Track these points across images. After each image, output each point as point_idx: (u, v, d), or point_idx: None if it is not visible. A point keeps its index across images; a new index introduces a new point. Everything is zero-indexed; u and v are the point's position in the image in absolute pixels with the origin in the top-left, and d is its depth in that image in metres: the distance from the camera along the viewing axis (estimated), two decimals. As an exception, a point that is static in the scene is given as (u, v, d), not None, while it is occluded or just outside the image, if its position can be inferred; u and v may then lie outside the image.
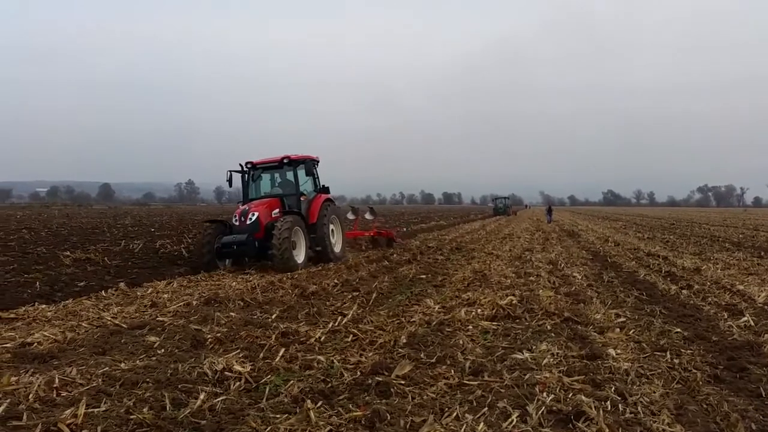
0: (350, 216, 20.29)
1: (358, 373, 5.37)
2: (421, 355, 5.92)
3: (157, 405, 4.39)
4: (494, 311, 7.95)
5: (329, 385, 5.04)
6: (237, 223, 13.98)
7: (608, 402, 4.47)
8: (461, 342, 6.43)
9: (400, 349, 6.16)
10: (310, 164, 15.50)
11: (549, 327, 7.19)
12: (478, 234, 27.73)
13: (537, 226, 35.27)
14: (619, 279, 11.71)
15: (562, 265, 13.91)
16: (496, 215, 62.98)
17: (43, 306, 8.90)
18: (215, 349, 6.27)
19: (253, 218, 13.90)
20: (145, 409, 4.26)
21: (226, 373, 5.28)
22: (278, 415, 4.35)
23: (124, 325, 7.33)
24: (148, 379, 4.96)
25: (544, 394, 4.73)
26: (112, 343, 6.47)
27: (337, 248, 15.95)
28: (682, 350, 6.17)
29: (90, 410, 4.16)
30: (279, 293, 9.93)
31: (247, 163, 15.52)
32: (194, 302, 8.98)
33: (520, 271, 12.51)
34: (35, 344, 6.50)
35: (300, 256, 13.96)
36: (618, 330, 7.03)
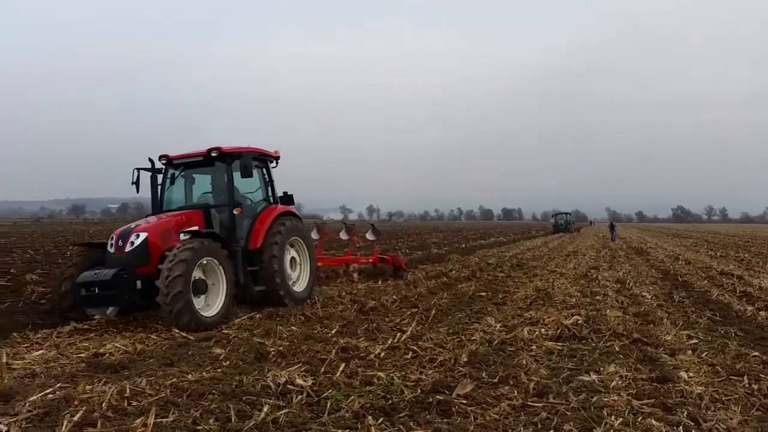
0: (315, 235, 15.16)
1: (419, 390, 5.32)
2: (483, 375, 5.82)
3: (222, 416, 4.48)
4: (559, 331, 7.74)
5: (390, 402, 5.02)
6: (111, 250, 8.80)
7: (680, 427, 4.28)
8: (524, 362, 6.29)
9: (460, 368, 6.07)
10: (248, 159, 9.82)
11: (617, 348, 6.95)
12: (540, 251, 27.16)
13: (603, 244, 34.26)
14: (690, 299, 11.20)
15: (631, 284, 13.43)
16: (557, 233, 59.10)
17: (114, 318, 9.26)
18: (278, 362, 6.37)
19: (137, 243, 8.70)
20: (211, 420, 4.36)
21: (289, 386, 5.34)
22: (339, 431, 4.36)
23: (191, 337, 7.55)
24: (214, 391, 5.08)
25: (613, 417, 4.58)
26: (179, 355, 6.67)
27: (300, 286, 10.99)
28: (762, 375, 5.82)
29: (159, 420, 4.28)
30: (338, 308, 10.02)
31: (160, 158, 10.41)
32: (257, 315, 9.15)
33: (585, 290, 12.16)
34: (107, 354, 6.80)
35: (214, 305, 8.78)
36: (690, 352, 6.72)
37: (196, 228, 9.41)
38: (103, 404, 4.63)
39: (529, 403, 5.00)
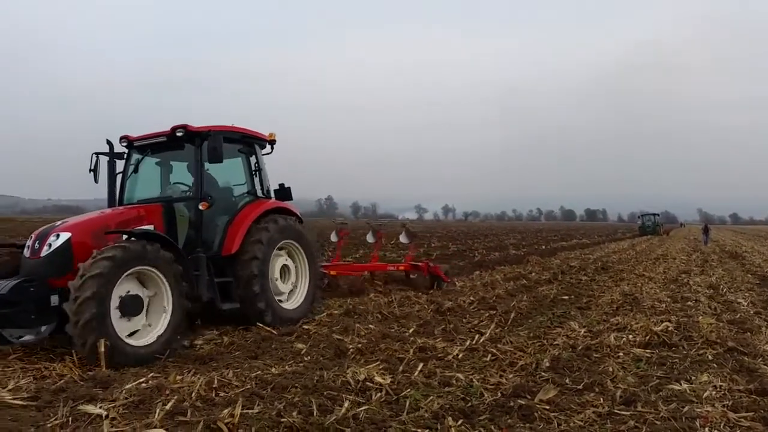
0: (333, 238, 13.96)
1: (499, 394, 5.24)
2: (566, 381, 5.66)
3: (305, 410, 4.58)
4: (647, 338, 7.40)
5: (469, 404, 4.97)
6: (27, 254, 6.91)
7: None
8: (611, 369, 6.05)
9: (542, 373, 5.93)
10: (217, 140, 7.70)
11: (710, 357, 6.57)
12: (627, 254, 26.08)
13: (694, 247, 32.50)
14: (793, 307, 10.43)
15: (725, 289, 12.66)
16: (643, 235, 55.42)
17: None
18: (356, 359, 6.44)
19: (55, 245, 6.76)
20: (294, 413, 4.46)
21: (368, 383, 5.38)
22: (419, 430, 4.36)
23: (274, 332, 7.76)
24: (296, 384, 5.20)
25: (706, 429, 4.36)
26: (263, 348, 6.88)
27: (293, 302, 8.87)
28: None
29: (245, 411, 4.42)
30: (415, 308, 10.01)
31: (121, 140, 8.53)
32: (336, 312, 9.31)
33: (675, 296, 11.56)
34: (198, 347, 7.11)
35: (152, 332, 6.57)
36: (794, 365, 6.26)
37: (151, 227, 7.47)
38: (193, 394, 4.84)
39: (616, 411, 4.82)
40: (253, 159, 9.02)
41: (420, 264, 12.98)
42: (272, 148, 9.39)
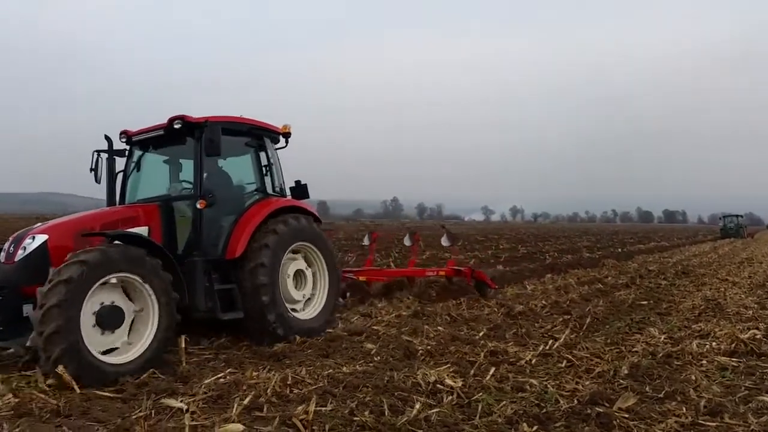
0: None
1: (575, 401, 5.09)
2: (647, 389, 5.44)
3: (376, 410, 4.61)
4: (733, 345, 7.01)
5: (544, 410, 4.85)
6: (2, 259, 6.35)
7: None
8: (694, 378, 5.77)
9: (621, 380, 5.72)
10: (214, 131, 6.99)
11: (806, 368, 6.15)
12: (709, 257, 24.81)
13: (782, 251, 30.54)
14: None
15: (819, 297, 11.82)
16: (725, 237, 51.72)
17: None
18: (426, 361, 6.42)
19: (30, 249, 6.15)
20: (366, 413, 4.49)
21: (438, 385, 5.36)
22: (494, 435, 4.29)
23: (344, 333, 7.85)
24: (367, 384, 5.24)
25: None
26: (334, 348, 6.97)
27: (310, 311, 7.98)
28: None
29: (318, 408, 4.50)
30: (485, 311, 9.86)
31: (121, 136, 8.01)
32: (404, 314, 9.31)
33: (764, 302, 10.88)
34: (272, 344, 7.28)
35: (133, 348, 5.80)
36: None
37: (146, 229, 6.85)
38: (268, 390, 4.97)
39: (700, 422, 4.60)
40: (263, 154, 8.16)
41: (463, 269, 11.74)
42: (287, 142, 8.53)
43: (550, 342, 7.36)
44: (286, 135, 8.45)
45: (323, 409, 4.54)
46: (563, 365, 6.35)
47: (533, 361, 6.46)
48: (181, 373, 5.58)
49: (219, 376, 5.41)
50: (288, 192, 8.51)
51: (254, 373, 5.46)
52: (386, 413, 4.56)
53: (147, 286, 5.83)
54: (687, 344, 7.12)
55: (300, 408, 4.46)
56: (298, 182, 8.73)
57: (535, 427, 4.43)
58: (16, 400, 4.69)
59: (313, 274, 8.12)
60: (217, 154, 7.10)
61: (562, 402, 5.04)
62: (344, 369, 5.82)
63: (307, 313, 7.88)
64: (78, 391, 4.99)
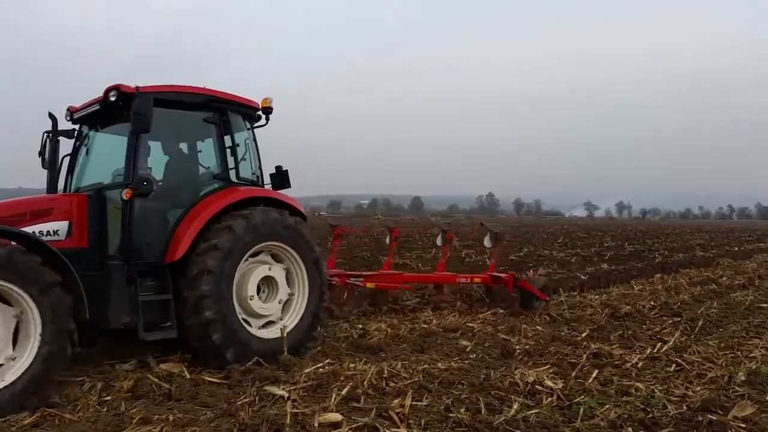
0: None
1: (685, 407, 4.81)
2: (766, 398, 5.06)
3: (472, 407, 4.57)
4: None
5: (650, 415, 4.62)
6: None
7: None
8: (822, 388, 5.28)
9: (736, 387, 5.35)
10: (144, 102, 5.61)
11: None
12: (841, 258, 22.55)
13: None
14: None
15: None
16: None
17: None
18: (524, 360, 6.29)
19: None
20: (462, 410, 4.48)
21: (537, 386, 5.24)
22: (595, 439, 4.14)
23: (439, 329, 7.83)
24: (463, 381, 5.21)
25: None
26: (429, 343, 6.98)
27: (285, 327, 6.26)
28: None
29: (414, 402, 4.54)
30: (587, 311, 9.49)
31: (66, 112, 6.76)
32: (500, 311, 9.14)
33: None
34: (369, 336, 7.40)
35: (15, 366, 4.63)
36: None
37: (66, 223, 5.67)
38: (365, 382, 5.06)
39: (830, 437, 4.20)
40: (233, 132, 6.56)
41: (503, 276, 9.60)
42: (267, 119, 7.02)
43: (659, 345, 7.00)
44: (267, 110, 6.92)
45: (419, 403, 4.57)
46: (672, 369, 6.02)
47: (640, 365, 6.17)
48: (282, 362, 5.79)
49: (318, 366, 5.56)
50: (266, 181, 7.05)
51: (351, 365, 5.57)
52: (483, 411, 4.52)
53: (22, 292, 4.64)
54: (814, 351, 6.52)
55: (396, 401, 4.51)
56: (278, 168, 7.25)
57: (640, 433, 4.23)
58: (131, 383, 5.06)
59: (290, 281, 6.49)
60: (146, 129, 5.70)
61: (670, 407, 4.78)
62: (439, 365, 5.81)
63: (276, 329, 6.24)
64: (188, 376, 5.31)
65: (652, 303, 10.15)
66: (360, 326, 7.85)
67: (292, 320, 6.41)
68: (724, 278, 14.32)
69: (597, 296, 11.10)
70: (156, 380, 5.16)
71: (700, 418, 4.47)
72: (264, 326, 6.28)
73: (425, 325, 7.95)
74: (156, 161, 6.55)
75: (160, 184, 6.19)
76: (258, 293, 6.22)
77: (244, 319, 6.05)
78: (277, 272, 6.37)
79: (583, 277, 13.31)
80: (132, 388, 4.97)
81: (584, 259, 18.41)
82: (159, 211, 6.09)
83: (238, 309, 5.95)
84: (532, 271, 10.99)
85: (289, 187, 7.23)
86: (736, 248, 26.28)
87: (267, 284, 6.34)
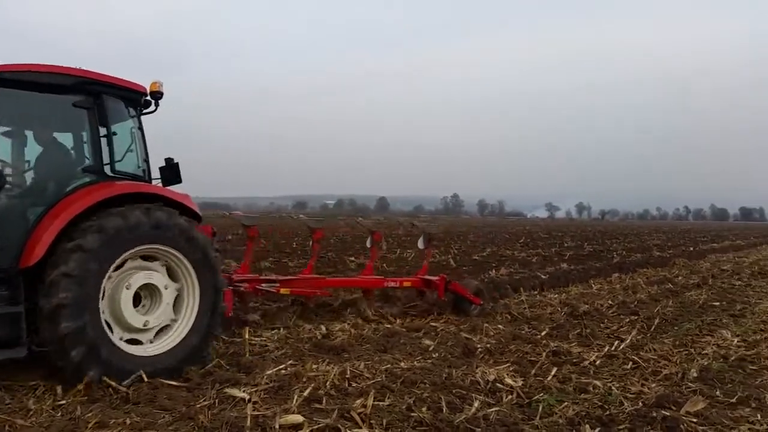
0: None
1: (640, 403, 4.93)
2: (717, 393, 5.23)
3: (434, 406, 4.60)
4: (815, 351, 6.62)
5: (607, 412, 4.73)
6: None
7: None
8: (769, 383, 5.49)
9: (689, 384, 5.52)
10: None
11: None
12: (789, 257, 23.47)
13: None
14: None
15: None
16: None
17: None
18: (485, 359, 6.36)
19: None
20: (423, 409, 4.50)
21: (498, 384, 5.31)
22: (553, 436, 4.21)
23: (402, 328, 7.86)
24: (425, 380, 5.23)
25: None
26: (392, 343, 6.99)
27: (166, 342, 5.52)
28: None
29: (376, 402, 4.54)
30: (547, 310, 9.66)
31: None
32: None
33: None
34: (331, 337, 7.38)
35: None
36: None
37: None
38: (327, 383, 5.03)
39: (777, 431, 4.37)
40: (105, 120, 5.62)
41: (434, 279, 9.06)
42: (157, 105, 6.19)
43: (616, 343, 7.16)
44: (155, 95, 6.08)
45: (381, 403, 4.57)
46: (629, 367, 6.17)
47: (597, 362, 6.31)
48: (244, 364, 5.73)
49: (280, 367, 5.51)
50: (155, 176, 6.26)
51: (314, 366, 5.54)
52: (444, 410, 4.54)
53: None
54: (763, 348, 6.84)
55: (358, 401, 4.50)
56: (168, 161, 6.36)
57: (597, 429, 4.34)
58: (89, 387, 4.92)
59: (178, 292, 5.62)
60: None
61: (626, 404, 4.90)
62: (402, 364, 5.83)
63: (160, 345, 5.46)
64: (146, 379, 5.21)
65: (610, 302, 10.39)
66: (323, 327, 7.82)
67: (177, 334, 5.53)
68: (680, 278, 14.75)
69: (557, 295, 11.31)
70: (113, 384, 5.04)
71: (655, 414, 4.59)
72: (142, 340, 5.42)
73: (389, 325, 7.96)
74: (27, 153, 5.77)
75: (13, 177, 5.52)
76: (139, 303, 5.40)
77: (127, 336, 5.31)
78: (161, 280, 5.45)
79: (543, 277, 13.53)
80: (89, 393, 4.84)
81: (545, 258, 18.72)
82: (14, 209, 5.29)
83: (110, 321, 5.18)
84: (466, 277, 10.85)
85: (180, 182, 6.34)
86: (692, 248, 27.10)
87: (149, 294, 5.47)
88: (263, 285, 7.78)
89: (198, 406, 4.48)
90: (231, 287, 6.82)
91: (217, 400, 4.61)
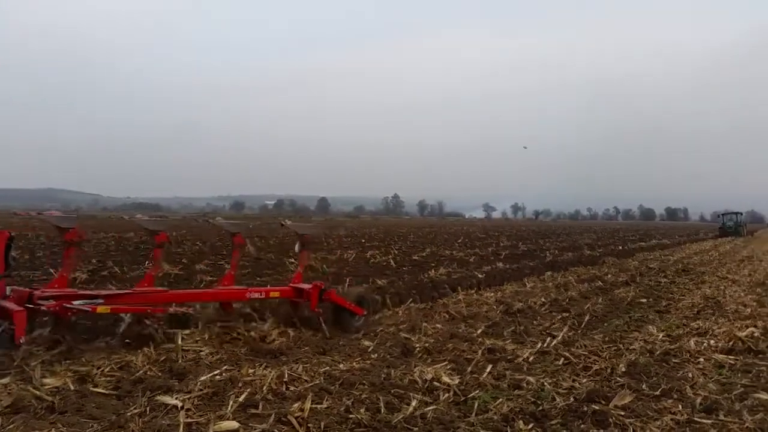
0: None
1: (572, 398, 5.08)
2: (643, 386, 5.44)
3: (372, 407, 4.60)
4: (731, 343, 7.02)
5: (540, 408, 4.84)
6: None
7: None
8: (690, 375, 5.79)
9: (618, 378, 5.72)
10: None
11: (804, 367, 6.15)
12: (709, 255, 24.82)
13: (783, 249, 30.54)
14: None
15: (820, 295, 11.81)
16: (725, 236, 49.50)
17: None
18: (423, 358, 6.42)
19: None
20: (362, 410, 4.49)
21: (435, 383, 5.35)
22: (489, 432, 4.29)
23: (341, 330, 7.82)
24: (363, 381, 5.23)
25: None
26: (331, 345, 6.95)
27: None
28: None
29: (314, 406, 4.50)
30: (483, 308, 9.85)
31: None
32: (400, 312, 9.26)
33: (763, 300, 10.89)
34: (269, 340, 7.26)
35: None
36: None
37: None
38: (264, 387, 4.95)
39: (696, 419, 4.61)
40: None
41: (306, 288, 7.65)
42: None
43: (548, 340, 7.36)
44: None
45: (319, 406, 4.54)
46: (561, 363, 6.35)
47: (531, 359, 6.46)
48: (177, 370, 5.57)
49: (215, 373, 5.38)
50: None
51: (250, 371, 5.44)
52: (382, 411, 4.55)
53: None
54: (685, 342, 7.14)
55: (296, 405, 4.45)
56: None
57: (531, 425, 4.43)
58: (11, 397, 4.68)
59: None
60: None
61: (558, 399, 5.03)
62: (341, 366, 5.81)
63: None
64: (72, 388, 4.98)
65: (543, 300, 10.70)
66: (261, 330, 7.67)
67: None
68: (609, 276, 15.34)
69: (492, 294, 11.54)
70: (37, 393, 4.79)
71: (585, 409, 4.74)
72: None
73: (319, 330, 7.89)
74: None
75: None
76: None
77: None
78: None
79: (480, 276, 13.79)
80: (11, 403, 4.58)
81: (482, 258, 19.09)
82: None
83: None
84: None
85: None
86: (621, 247, 28.25)
87: None
88: (77, 302, 6.13)
89: (128, 414, 4.32)
90: (24, 307, 5.60)
91: (148, 408, 4.46)
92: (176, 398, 4.64)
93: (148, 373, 5.49)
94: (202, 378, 5.18)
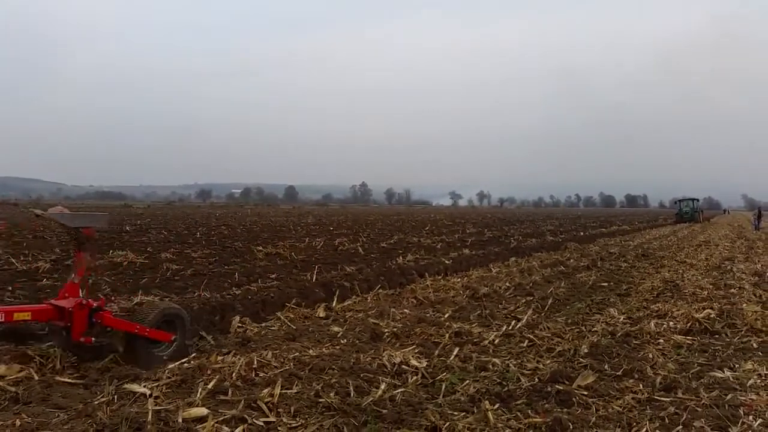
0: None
1: (536, 379, 5.22)
2: (605, 367, 5.62)
3: (342, 391, 4.65)
4: (689, 325, 7.29)
5: (506, 388, 4.97)
6: None
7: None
8: (650, 356, 5.99)
9: (581, 359, 5.89)
10: None
11: (755, 345, 6.46)
12: (668, 240, 25.53)
13: (738, 233, 31.60)
14: None
15: (771, 277, 12.29)
16: (681, 222, 50.44)
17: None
18: (392, 342, 6.49)
19: None
20: (332, 394, 4.53)
21: (404, 366, 5.43)
22: (456, 413, 4.38)
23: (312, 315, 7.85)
24: (333, 366, 5.26)
25: (750, 417, 4.27)
26: (301, 331, 6.98)
27: None
28: None
29: (284, 391, 4.51)
30: (450, 293, 9.99)
31: None
32: (369, 297, 9.33)
33: (718, 282, 11.30)
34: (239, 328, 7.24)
35: None
36: None
37: None
38: (233, 374, 4.94)
39: (656, 398, 4.78)
40: None
41: (68, 306, 5.24)
42: None
43: (513, 323, 7.51)
44: None
45: (289, 391, 4.55)
46: (525, 345, 6.49)
47: (496, 341, 6.59)
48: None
49: (183, 361, 5.35)
50: None
51: (219, 358, 5.42)
52: (352, 394, 4.60)
53: None
54: (645, 324, 7.36)
55: (265, 391, 4.46)
56: None
57: (496, 405, 4.53)
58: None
59: None
60: None
61: (523, 380, 5.16)
62: (310, 352, 5.83)
63: None
64: (37, 378, 4.89)
65: (508, 284, 10.89)
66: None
67: None
68: (571, 260, 15.67)
69: (459, 279, 11.69)
70: (0, 383, 4.69)
71: (549, 389, 4.88)
72: None
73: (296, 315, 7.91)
74: None
75: None
76: None
77: None
78: None
79: (447, 262, 13.94)
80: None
81: (449, 245, 19.25)
82: None
83: None
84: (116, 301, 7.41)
85: None
86: (582, 233, 28.82)
87: None
88: None
89: (96, 402, 4.26)
90: None
91: (116, 396, 4.41)
92: (144, 386, 4.60)
93: (114, 362, 5.41)
94: (170, 366, 5.14)
